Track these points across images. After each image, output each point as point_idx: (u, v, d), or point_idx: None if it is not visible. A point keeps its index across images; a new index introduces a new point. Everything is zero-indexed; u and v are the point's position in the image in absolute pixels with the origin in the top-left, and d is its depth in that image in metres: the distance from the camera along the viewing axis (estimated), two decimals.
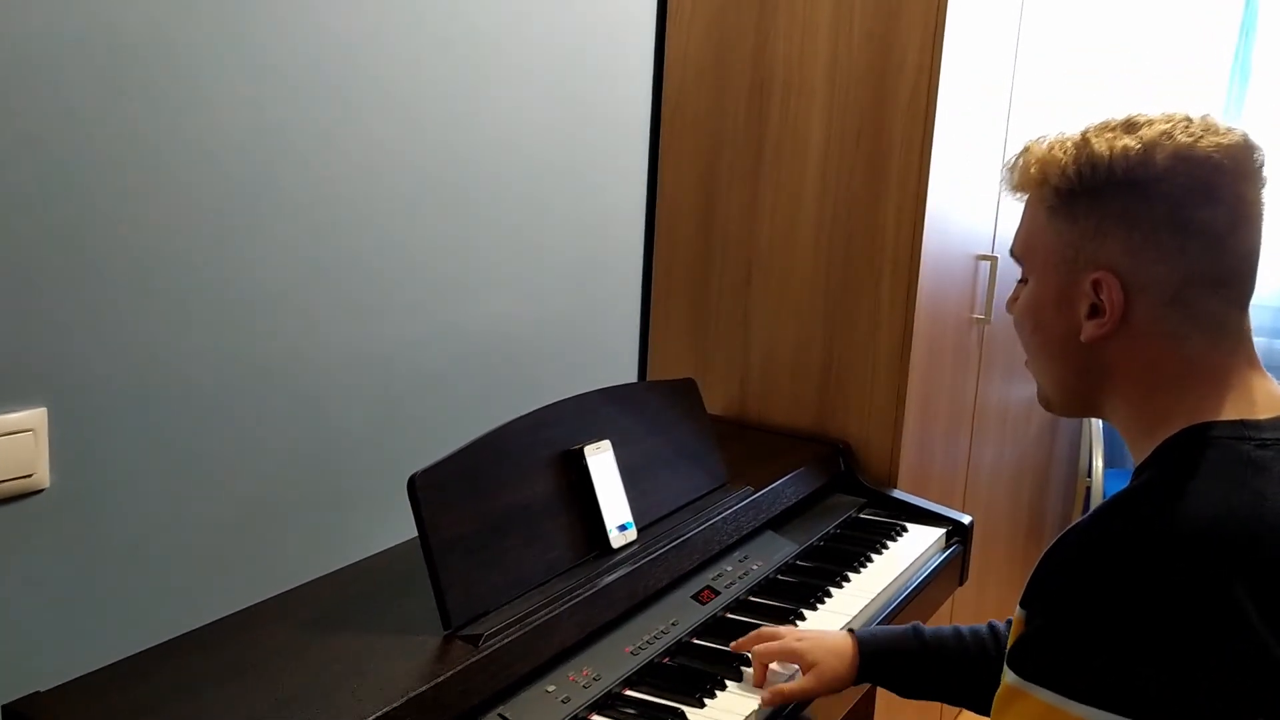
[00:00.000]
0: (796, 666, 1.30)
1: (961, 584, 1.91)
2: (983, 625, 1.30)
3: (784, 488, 1.77)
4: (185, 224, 1.30)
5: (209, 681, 1.08)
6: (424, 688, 1.07)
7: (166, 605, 1.33)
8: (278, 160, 1.39)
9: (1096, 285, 0.94)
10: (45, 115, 1.14)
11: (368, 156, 1.52)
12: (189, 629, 1.19)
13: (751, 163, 2.03)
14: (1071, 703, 0.82)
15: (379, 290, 1.57)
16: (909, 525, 1.86)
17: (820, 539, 1.76)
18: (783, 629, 1.36)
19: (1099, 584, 0.84)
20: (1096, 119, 1.00)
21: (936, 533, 1.85)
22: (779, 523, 1.76)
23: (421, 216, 1.62)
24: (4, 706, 1.02)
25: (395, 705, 1.04)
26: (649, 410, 1.58)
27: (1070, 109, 2.48)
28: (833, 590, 1.58)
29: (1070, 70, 2.48)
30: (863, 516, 1.89)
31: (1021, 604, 0.91)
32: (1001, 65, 2.10)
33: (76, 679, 1.08)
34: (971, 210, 2.09)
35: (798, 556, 1.69)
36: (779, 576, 1.61)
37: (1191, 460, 0.88)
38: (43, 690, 1.05)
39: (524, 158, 1.79)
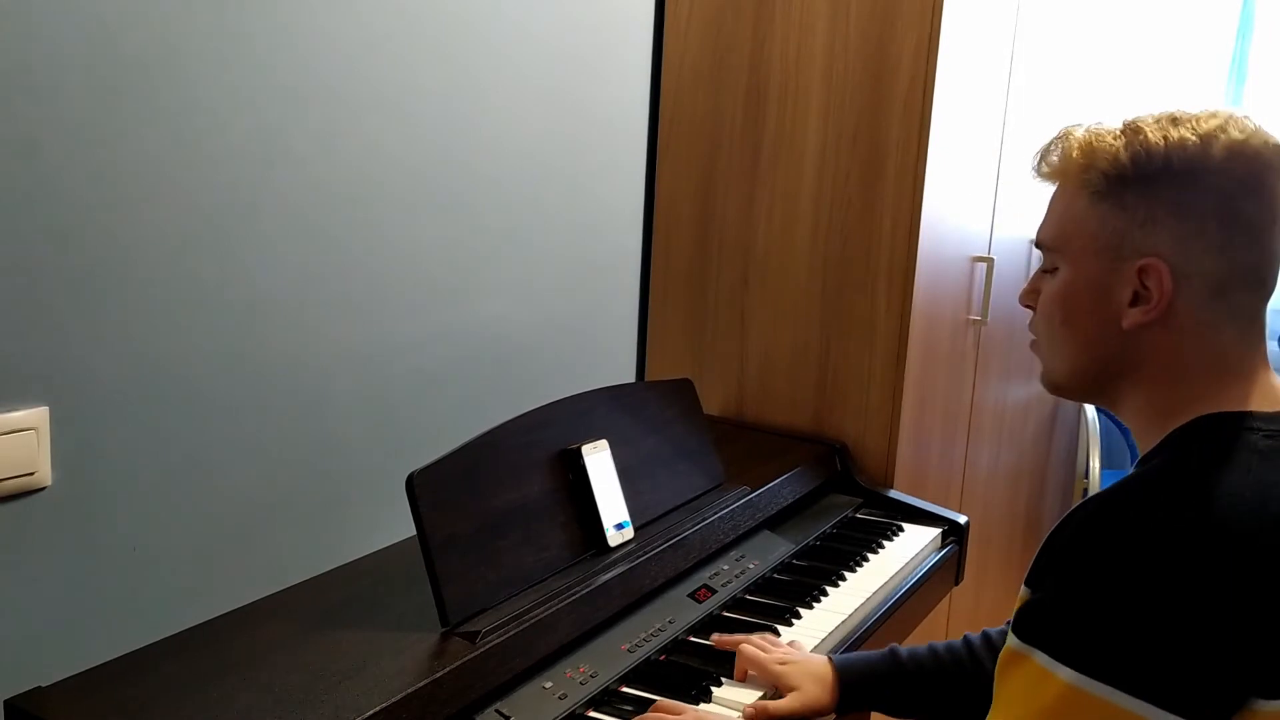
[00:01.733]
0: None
1: (957, 583, 1.92)
2: (958, 641, 1.32)
3: (781, 487, 1.78)
4: (185, 225, 1.31)
5: (209, 678, 1.09)
6: (421, 684, 1.08)
7: (167, 602, 1.34)
8: (276, 162, 1.41)
9: (1143, 272, 0.95)
10: (45, 117, 1.16)
11: (366, 159, 1.53)
12: (189, 626, 1.20)
13: (748, 165, 2.05)
14: (1062, 667, 0.85)
15: (378, 291, 1.58)
16: (905, 525, 1.87)
17: (816, 538, 1.77)
18: (768, 644, 1.35)
19: (1112, 560, 0.85)
20: (1092, 119, 1.01)
21: (932, 532, 1.86)
22: (776, 522, 1.77)
23: (421, 218, 1.63)
24: (6, 701, 1.03)
25: (393, 701, 1.05)
26: (646, 410, 1.59)
27: (1067, 111, 2.49)
28: (829, 589, 1.59)
29: (1067, 73, 2.49)
30: (859, 516, 1.90)
31: (1026, 583, 0.93)
32: (997, 68, 2.12)
33: (78, 674, 1.09)
34: (967, 212, 2.10)
35: (794, 556, 1.70)
36: (775, 575, 1.62)
37: (1202, 448, 0.91)
38: (44, 685, 1.06)
39: (522, 160, 1.80)
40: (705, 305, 2.14)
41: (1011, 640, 0.90)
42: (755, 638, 1.36)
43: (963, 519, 1.91)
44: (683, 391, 1.68)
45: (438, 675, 1.10)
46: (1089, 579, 0.86)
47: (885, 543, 1.79)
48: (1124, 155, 0.95)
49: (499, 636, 1.19)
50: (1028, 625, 0.89)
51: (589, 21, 1.89)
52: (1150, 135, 0.94)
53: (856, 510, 1.92)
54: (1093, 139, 0.98)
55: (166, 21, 1.25)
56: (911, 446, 2.02)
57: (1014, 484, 2.69)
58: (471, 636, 1.18)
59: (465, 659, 1.14)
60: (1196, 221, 0.93)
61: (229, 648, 1.15)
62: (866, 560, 1.71)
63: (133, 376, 1.28)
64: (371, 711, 1.03)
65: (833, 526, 1.83)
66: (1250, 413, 0.93)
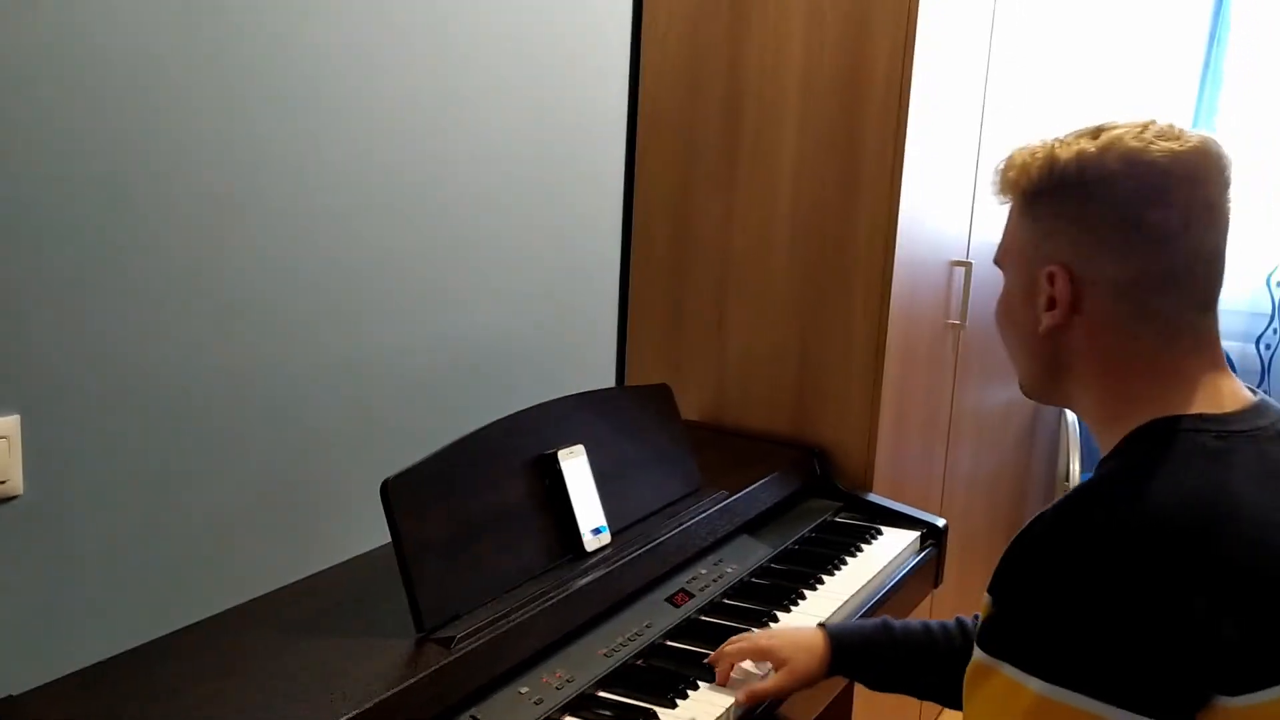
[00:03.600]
0: (769, 665, 1.31)
1: (937, 586, 1.93)
2: (951, 621, 1.33)
3: (759, 492, 1.78)
4: (162, 231, 1.31)
5: (182, 686, 1.08)
6: (396, 690, 1.08)
7: (140, 611, 1.33)
8: (255, 168, 1.41)
9: (1051, 278, 1.00)
10: (17, 121, 1.15)
11: (344, 164, 1.53)
12: (163, 634, 1.19)
13: (726, 171, 2.05)
14: (1031, 678, 0.86)
15: (356, 297, 1.58)
16: (884, 528, 1.88)
17: (795, 542, 1.78)
18: (750, 633, 1.36)
19: (1062, 568, 0.87)
20: (1067, 125, 1.04)
21: (911, 535, 1.87)
22: (754, 526, 1.77)
23: (398, 225, 1.63)
24: None
25: (367, 707, 1.05)
26: (623, 415, 1.59)
27: (1043, 116, 2.51)
28: (806, 593, 1.59)
29: (1042, 77, 2.51)
30: (838, 520, 1.91)
31: (989, 590, 0.94)
32: (973, 73, 2.13)
33: (50, 683, 1.08)
34: (945, 216, 2.12)
35: (772, 560, 1.70)
36: (753, 579, 1.63)
37: (1153, 451, 0.93)
38: (15, 694, 1.06)
39: (501, 166, 1.80)
40: (684, 310, 2.14)
41: (978, 654, 0.92)
42: (735, 637, 1.36)
43: (941, 522, 1.91)
44: (660, 396, 1.69)
45: (411, 681, 1.10)
46: (1049, 589, 0.88)
47: (864, 546, 1.79)
48: (1035, 171, 1.01)
49: (474, 642, 1.19)
50: (993, 638, 0.91)
51: (568, 28, 1.90)
52: (1059, 151, 0.99)
53: (835, 514, 1.92)
54: (1023, 158, 1.03)
55: (145, 24, 1.25)
56: (890, 450, 2.03)
57: (994, 487, 2.70)
58: (446, 642, 1.18)
59: (440, 664, 1.14)
60: (1096, 229, 0.97)
61: (201, 656, 1.15)
62: (845, 564, 1.72)
63: (106, 384, 1.27)
64: (345, 718, 1.03)
65: (811, 530, 1.83)
66: (1200, 415, 0.95)
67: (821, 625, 1.34)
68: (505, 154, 1.81)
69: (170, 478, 1.36)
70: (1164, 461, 0.91)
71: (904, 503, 1.97)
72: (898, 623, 1.33)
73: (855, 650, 1.30)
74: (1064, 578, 0.87)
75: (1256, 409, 0.97)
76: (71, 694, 1.07)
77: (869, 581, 1.67)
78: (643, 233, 2.16)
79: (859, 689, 1.89)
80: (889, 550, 1.79)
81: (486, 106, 1.75)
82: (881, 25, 1.86)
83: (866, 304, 1.94)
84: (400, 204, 1.63)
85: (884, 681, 1.31)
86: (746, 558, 1.68)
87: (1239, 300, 3.36)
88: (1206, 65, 3.35)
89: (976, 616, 1.30)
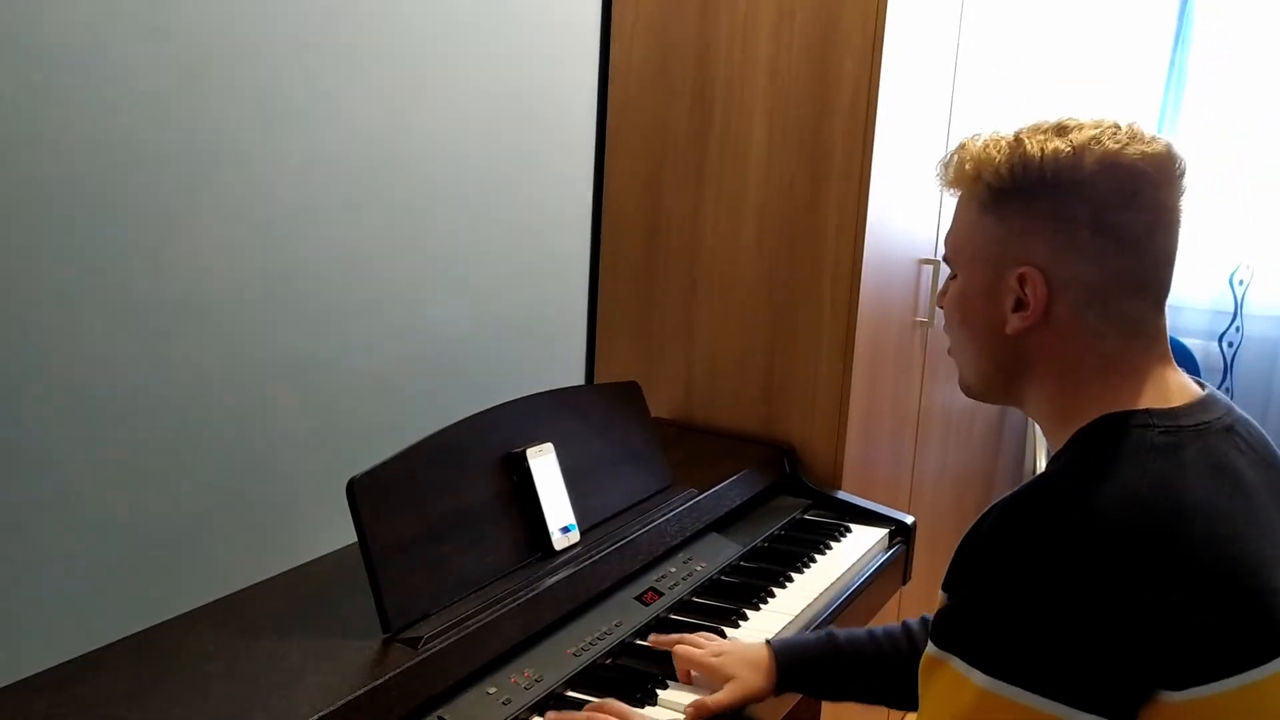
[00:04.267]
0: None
1: (905, 583, 1.94)
2: (896, 625, 1.33)
3: (728, 490, 1.78)
4: (122, 226, 1.29)
5: (142, 689, 1.07)
6: (362, 691, 1.07)
7: (99, 613, 1.31)
8: (218, 163, 1.39)
9: (1022, 280, 0.98)
10: None
11: (307, 160, 1.51)
12: (123, 637, 1.18)
13: (695, 168, 2.05)
14: (975, 671, 0.87)
15: (320, 295, 1.56)
16: (853, 526, 1.88)
17: (764, 540, 1.78)
18: (703, 640, 1.36)
19: (1008, 563, 0.88)
20: (992, 130, 1.04)
21: (879, 533, 1.87)
22: (723, 524, 1.77)
23: (364, 222, 1.62)
24: None
25: (332, 709, 1.04)
26: (592, 413, 1.59)
27: (1009, 115, 2.52)
28: (776, 590, 1.59)
29: (1009, 76, 2.52)
30: (807, 518, 1.91)
31: (943, 588, 0.94)
32: (941, 73, 2.14)
33: (4, 687, 1.06)
34: (913, 215, 2.12)
35: (742, 557, 1.70)
36: (722, 577, 1.63)
37: (1100, 448, 0.93)
38: None
39: (470, 163, 1.79)
40: (653, 309, 2.14)
41: (930, 647, 0.92)
42: (691, 636, 1.36)
43: (909, 519, 1.92)
44: (629, 394, 1.68)
45: (378, 682, 1.09)
46: (994, 584, 0.88)
47: (833, 544, 1.80)
48: (1004, 168, 0.98)
49: (441, 642, 1.18)
50: (943, 631, 0.91)
51: (536, 24, 1.89)
52: (1028, 147, 0.97)
53: (804, 511, 1.93)
54: (981, 151, 1.01)
55: (96, 18, 1.23)
56: (859, 448, 2.04)
57: (962, 484, 2.72)
58: (414, 642, 1.17)
59: (407, 665, 1.13)
60: (1070, 231, 0.96)
61: (164, 658, 1.13)
62: (814, 561, 1.72)
63: (63, 383, 1.25)
64: None
65: (780, 528, 1.83)
66: (1148, 410, 0.95)
67: (768, 642, 1.33)
68: (473, 151, 1.80)
69: (130, 477, 1.34)
70: (1113, 458, 0.91)
71: (873, 500, 1.98)
72: (843, 634, 1.33)
73: (800, 666, 1.30)
74: (1010, 573, 0.87)
75: (1204, 403, 0.98)
76: (26, 701, 1.05)
77: (838, 579, 1.68)
78: (612, 230, 2.16)
79: None
80: (858, 548, 1.80)
81: (454, 103, 1.74)
82: (850, 24, 1.87)
83: (835, 302, 1.94)
84: (366, 201, 1.62)
85: (832, 693, 1.32)
86: (716, 556, 1.67)
87: (1202, 298, 3.40)
88: (1172, 65, 3.39)
89: (925, 618, 1.32)
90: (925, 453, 2.41)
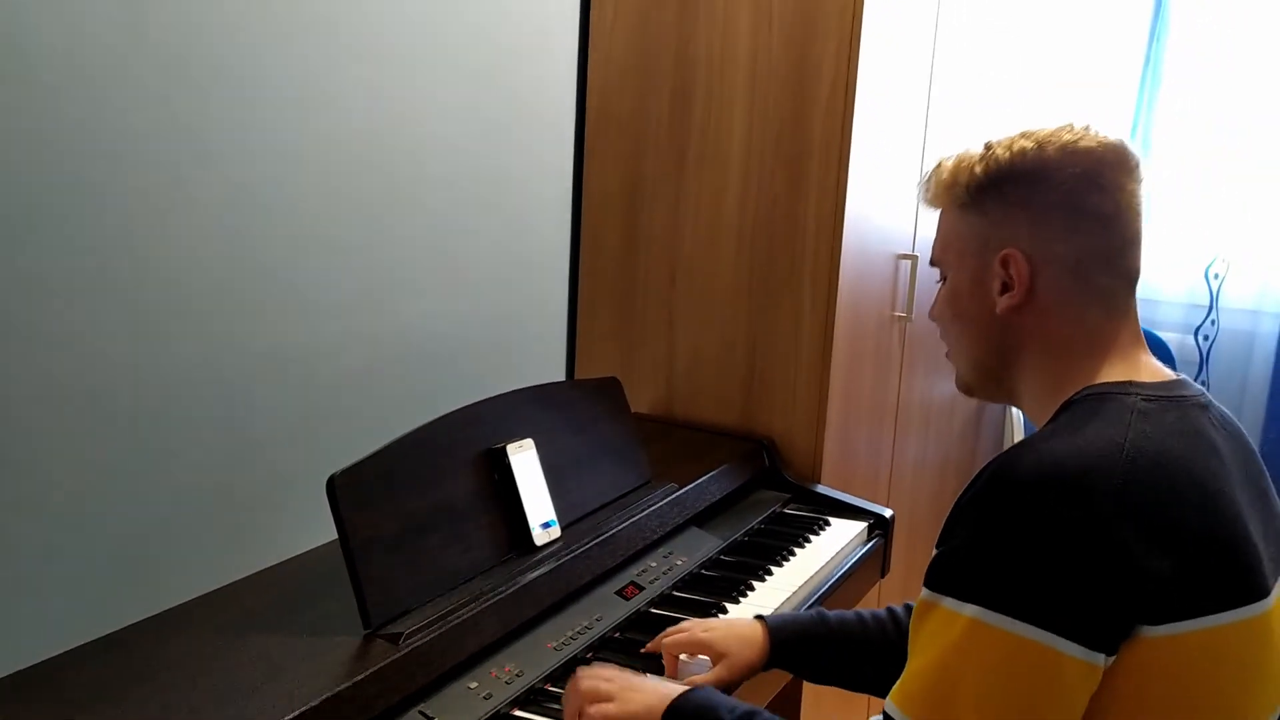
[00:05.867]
0: (707, 658, 1.32)
1: (883, 575, 1.95)
2: (882, 610, 1.36)
3: (708, 484, 1.79)
4: (96, 224, 1.28)
5: (122, 686, 1.07)
6: (343, 686, 1.08)
7: (79, 610, 1.31)
8: (198, 159, 1.38)
9: (1005, 262, 1.07)
10: None
11: (286, 157, 1.51)
12: (102, 634, 1.17)
13: (675, 164, 2.06)
14: (967, 605, 0.92)
15: (299, 292, 1.56)
16: (832, 519, 1.90)
17: (744, 534, 1.79)
18: (690, 621, 1.38)
19: (997, 505, 0.93)
20: (1009, 121, 1.08)
21: (859, 526, 1.89)
22: (703, 519, 1.78)
23: (346, 217, 1.61)
24: None
25: (313, 704, 1.04)
26: (573, 409, 1.59)
27: (986, 112, 2.54)
28: (755, 584, 1.60)
29: (986, 74, 2.54)
30: (787, 511, 1.92)
31: (937, 545, 0.98)
32: (918, 70, 2.15)
33: None
34: (891, 210, 2.14)
35: (722, 551, 1.71)
36: (703, 571, 1.64)
37: (1085, 411, 1.00)
38: None
39: (448, 159, 1.79)
40: (634, 304, 2.14)
41: (923, 593, 0.97)
42: (673, 626, 1.37)
43: (888, 512, 1.94)
44: (609, 390, 1.69)
45: (359, 678, 1.10)
46: (985, 526, 0.93)
47: (812, 537, 1.81)
48: (979, 169, 1.09)
49: (422, 638, 1.18)
50: (935, 576, 0.96)
51: (515, 18, 1.89)
52: (998, 150, 1.08)
53: (784, 505, 1.94)
54: (957, 163, 1.11)
55: (76, 11, 1.22)
56: (838, 442, 2.05)
57: (941, 477, 2.74)
58: (394, 638, 1.17)
59: (387, 661, 1.13)
60: (1044, 212, 1.06)
61: (142, 656, 1.13)
62: (794, 555, 1.73)
63: (39, 382, 1.25)
64: (291, 715, 1.02)
65: (760, 522, 1.84)
66: (1130, 381, 1.03)
67: (759, 617, 1.35)
68: (453, 146, 1.80)
69: (110, 473, 1.34)
70: (1095, 416, 0.98)
71: (852, 493, 1.99)
72: (833, 614, 1.36)
73: (792, 642, 1.33)
74: (999, 515, 0.92)
75: (1178, 383, 1.05)
76: (6, 698, 1.05)
77: (817, 572, 1.69)
78: (592, 226, 2.16)
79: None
80: (837, 541, 1.81)
81: (434, 99, 1.74)
82: (827, 21, 1.88)
83: (814, 297, 1.95)
84: (347, 197, 1.61)
85: (821, 673, 1.35)
86: (696, 550, 1.68)
87: (1177, 292, 3.42)
88: (1147, 60, 3.41)
89: (909, 605, 1.33)
90: (904, 446, 2.43)
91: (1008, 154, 1.07)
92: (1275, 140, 3.26)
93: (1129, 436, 0.94)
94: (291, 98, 1.50)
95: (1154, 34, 3.39)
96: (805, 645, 1.33)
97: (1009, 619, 0.89)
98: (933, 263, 1.17)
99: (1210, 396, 1.07)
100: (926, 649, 0.94)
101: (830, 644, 1.33)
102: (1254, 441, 1.08)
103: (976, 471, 0.98)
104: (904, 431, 2.41)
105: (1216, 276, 3.37)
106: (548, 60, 2.01)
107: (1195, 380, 3.67)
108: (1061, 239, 1.05)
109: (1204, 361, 3.41)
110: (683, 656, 1.33)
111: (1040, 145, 1.06)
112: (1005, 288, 1.07)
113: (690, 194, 2.05)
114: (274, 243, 1.51)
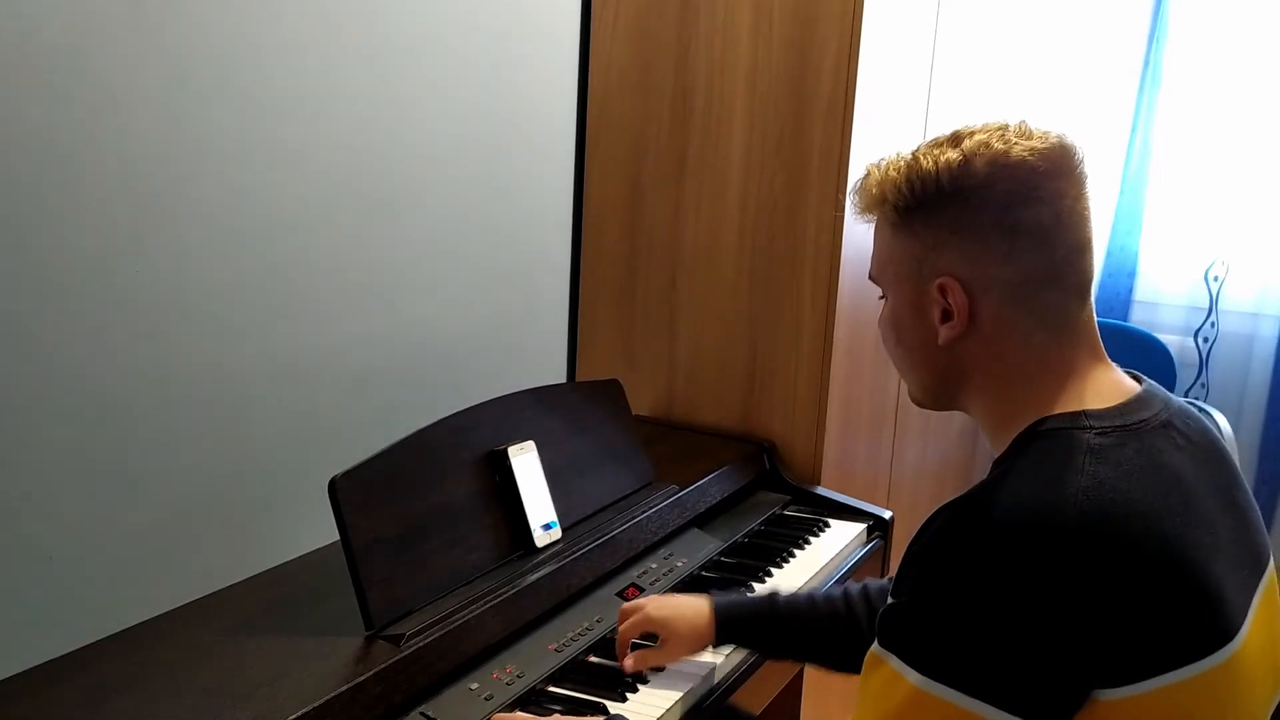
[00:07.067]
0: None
1: (883, 577, 1.95)
2: (838, 591, 1.35)
3: (709, 486, 1.79)
4: (96, 229, 1.29)
5: (125, 687, 1.07)
6: (344, 687, 1.08)
7: (83, 612, 1.31)
8: (192, 166, 1.39)
9: (943, 290, 0.99)
10: None
11: (285, 160, 1.52)
12: (107, 634, 1.18)
13: (676, 168, 2.06)
14: (911, 670, 0.88)
15: (302, 295, 1.57)
16: (831, 521, 1.90)
17: (745, 535, 1.79)
18: (643, 600, 1.39)
19: (948, 567, 0.89)
20: (894, 152, 1.05)
21: (858, 528, 1.89)
22: (704, 520, 1.78)
23: (347, 220, 1.62)
24: None
25: (315, 705, 1.05)
26: (574, 411, 1.60)
27: (986, 113, 2.54)
28: (755, 585, 1.61)
29: (985, 77, 2.54)
30: (787, 513, 1.93)
31: (890, 592, 0.95)
32: (918, 72, 2.16)
33: None
34: None
35: (722, 553, 1.72)
36: (703, 573, 1.64)
37: (1037, 453, 0.94)
38: None
39: (450, 162, 1.79)
40: (635, 306, 2.15)
41: (874, 645, 0.93)
42: (628, 604, 1.38)
43: (888, 514, 1.94)
44: (611, 392, 1.69)
45: (361, 679, 1.10)
46: (933, 587, 0.89)
47: (811, 539, 1.81)
48: (904, 186, 1.00)
49: (424, 639, 1.19)
50: (885, 630, 0.92)
51: (516, 22, 1.89)
52: (923, 163, 0.99)
53: (784, 507, 1.94)
54: (883, 175, 1.03)
55: (75, 17, 1.23)
56: (838, 444, 2.06)
57: (940, 479, 2.75)
58: (396, 639, 1.18)
59: (389, 662, 1.14)
60: (977, 236, 0.97)
61: (146, 656, 1.14)
62: (793, 556, 1.74)
63: (43, 383, 1.25)
64: (292, 717, 1.03)
65: (760, 524, 1.85)
66: (1084, 412, 0.95)
67: (710, 594, 1.38)
68: (454, 149, 1.80)
69: (110, 475, 1.34)
70: (1047, 464, 0.92)
71: (851, 495, 2.00)
72: (783, 596, 1.37)
73: (737, 620, 1.35)
74: (948, 577, 0.88)
75: (1140, 400, 0.98)
76: (13, 696, 1.05)
77: (816, 573, 1.69)
78: (593, 229, 2.17)
79: (807, 680, 1.91)
80: (836, 542, 1.82)
81: (435, 102, 1.75)
82: (828, 23, 1.88)
83: (814, 300, 1.96)
84: (348, 200, 1.62)
85: (770, 649, 1.38)
86: (696, 551, 1.69)
87: (1177, 294, 3.43)
88: (1146, 63, 3.42)
89: (865, 585, 1.35)
90: (903, 448, 2.43)
91: (934, 169, 0.98)
92: (1275, 141, 3.26)
93: (1081, 485, 0.88)
94: (293, 99, 1.51)
95: (1153, 35, 3.39)
96: (750, 626, 1.35)
97: (953, 691, 0.85)
98: (871, 278, 1.10)
99: (1176, 404, 1.01)
100: (871, 708, 0.91)
101: (775, 625, 1.34)
102: (1254, 443, 1.03)
103: (972, 474, 0.96)
104: (903, 434, 2.41)
105: (1216, 279, 3.38)
106: (549, 62, 2.02)
107: (1195, 383, 3.65)
108: (998, 261, 0.97)
109: (1204, 364, 3.42)
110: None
111: (967, 159, 0.97)
112: (946, 316, 1.00)
113: (691, 196, 2.06)
114: (275, 244, 1.52)
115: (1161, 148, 3.39)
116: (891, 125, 2.06)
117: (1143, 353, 3.23)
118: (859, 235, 1.99)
